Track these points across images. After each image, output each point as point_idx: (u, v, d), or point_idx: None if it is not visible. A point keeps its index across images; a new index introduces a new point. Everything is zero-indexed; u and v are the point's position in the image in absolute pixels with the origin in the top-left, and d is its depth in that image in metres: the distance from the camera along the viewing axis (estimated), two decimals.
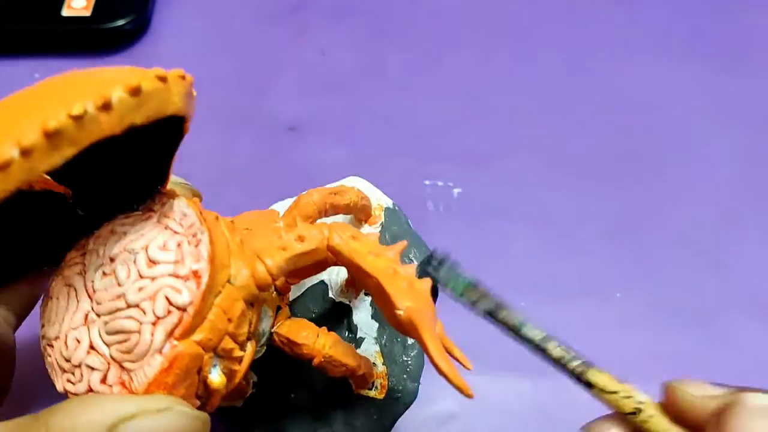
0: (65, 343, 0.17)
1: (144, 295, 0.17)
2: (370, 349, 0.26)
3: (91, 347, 0.17)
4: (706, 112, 0.40)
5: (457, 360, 0.20)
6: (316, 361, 0.23)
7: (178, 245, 0.18)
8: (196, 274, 0.17)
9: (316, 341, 0.22)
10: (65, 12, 0.40)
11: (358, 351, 0.25)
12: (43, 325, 0.18)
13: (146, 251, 0.18)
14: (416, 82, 0.41)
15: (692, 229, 0.35)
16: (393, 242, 0.26)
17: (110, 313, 0.17)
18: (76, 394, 0.17)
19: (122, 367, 0.17)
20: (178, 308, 0.17)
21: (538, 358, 0.31)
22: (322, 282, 0.27)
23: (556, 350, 0.22)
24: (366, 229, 0.28)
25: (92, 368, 0.17)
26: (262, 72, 0.40)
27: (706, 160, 0.38)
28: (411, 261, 0.28)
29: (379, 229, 0.28)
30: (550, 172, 0.37)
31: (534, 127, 0.39)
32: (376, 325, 0.27)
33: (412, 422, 0.29)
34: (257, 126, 0.38)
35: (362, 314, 0.27)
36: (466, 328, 0.32)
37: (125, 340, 0.17)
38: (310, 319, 0.26)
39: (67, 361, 0.17)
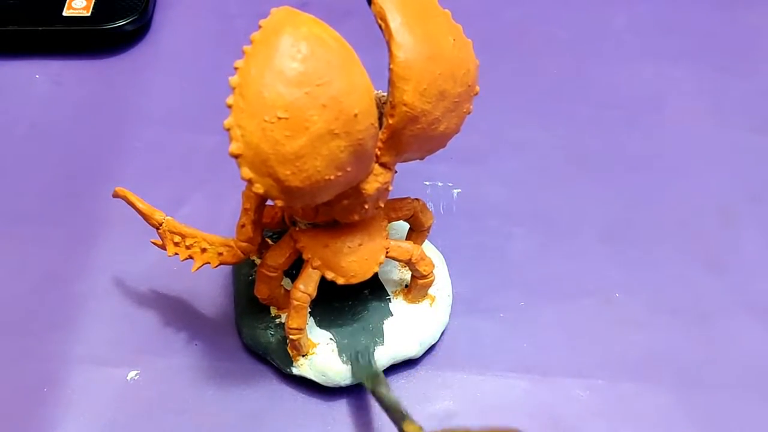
0: None
1: None
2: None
3: None
4: (706, 112, 0.40)
5: None
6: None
7: None
8: None
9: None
10: (65, 12, 0.40)
11: None
12: None
13: None
14: None
15: (691, 229, 0.35)
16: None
17: None
18: None
19: None
20: None
21: (541, 359, 0.31)
22: None
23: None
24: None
25: None
26: None
27: (705, 160, 0.38)
28: None
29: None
30: (550, 172, 0.37)
31: (534, 128, 0.39)
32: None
33: None
34: None
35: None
36: (467, 328, 0.32)
37: None
38: None
39: None
